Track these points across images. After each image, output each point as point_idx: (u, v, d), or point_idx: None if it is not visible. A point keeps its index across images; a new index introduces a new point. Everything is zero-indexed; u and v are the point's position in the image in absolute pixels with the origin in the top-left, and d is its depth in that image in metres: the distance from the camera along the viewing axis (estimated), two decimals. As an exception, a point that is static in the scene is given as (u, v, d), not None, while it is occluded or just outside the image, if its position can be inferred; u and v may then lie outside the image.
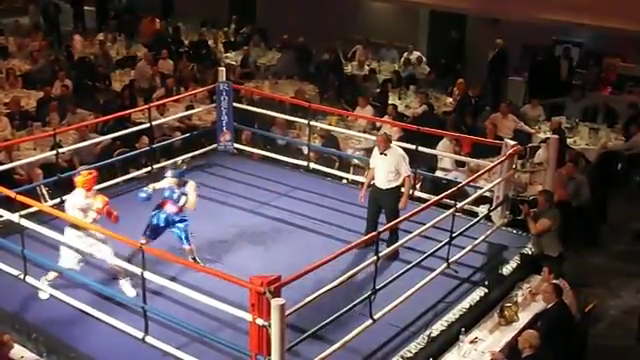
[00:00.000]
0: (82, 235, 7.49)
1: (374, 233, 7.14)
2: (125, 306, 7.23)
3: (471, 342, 7.46)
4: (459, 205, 8.15)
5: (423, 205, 8.03)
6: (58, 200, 9.47)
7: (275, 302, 5.66)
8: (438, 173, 11.06)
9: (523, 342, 7.12)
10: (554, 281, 7.99)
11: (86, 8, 23.00)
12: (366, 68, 17.45)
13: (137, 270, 6.80)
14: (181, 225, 8.12)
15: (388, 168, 8.50)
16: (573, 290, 8.28)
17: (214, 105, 11.62)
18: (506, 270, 8.60)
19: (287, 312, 5.75)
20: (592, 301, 8.52)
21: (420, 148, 9.87)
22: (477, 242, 8.50)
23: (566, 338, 7.55)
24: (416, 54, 17.71)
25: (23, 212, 7.73)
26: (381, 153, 8.56)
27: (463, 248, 8.26)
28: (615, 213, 11.79)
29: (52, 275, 7.68)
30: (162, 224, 8.10)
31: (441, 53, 18.35)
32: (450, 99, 15.27)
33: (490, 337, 7.64)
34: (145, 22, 19.61)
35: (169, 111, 13.17)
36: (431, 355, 7.15)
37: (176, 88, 14.65)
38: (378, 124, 12.77)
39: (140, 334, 6.86)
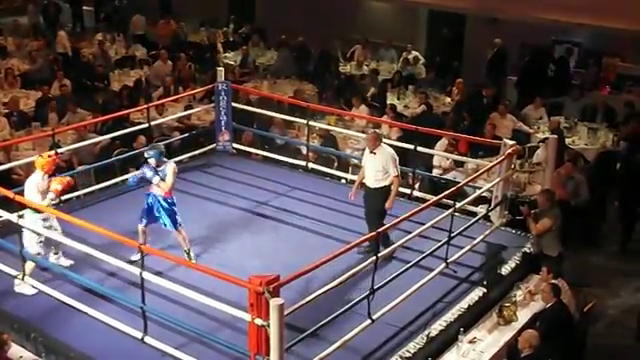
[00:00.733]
0: (40, 218, 7.63)
1: (373, 233, 7.14)
2: (124, 306, 7.22)
3: (470, 342, 7.46)
4: (458, 205, 8.15)
5: (422, 205, 8.04)
6: (57, 200, 9.47)
7: (274, 302, 5.65)
8: (433, 171, 11.06)
9: (523, 342, 7.12)
10: (553, 281, 7.99)
11: (85, 8, 23.03)
12: (365, 68, 17.47)
13: (136, 270, 6.79)
14: (167, 208, 8.12)
15: (377, 167, 8.49)
16: (572, 290, 8.29)
17: (213, 105, 11.61)
18: (505, 270, 8.60)
19: (286, 312, 5.75)
20: (591, 300, 8.53)
21: (418, 148, 9.87)
22: (476, 242, 8.49)
23: (565, 338, 7.56)
24: (414, 54, 17.72)
25: (21, 212, 7.73)
26: (371, 152, 8.55)
27: (462, 248, 8.26)
28: (614, 213, 11.79)
29: (29, 268, 7.70)
30: (150, 206, 8.18)
31: (440, 53, 18.36)
32: (449, 99, 15.27)
33: (489, 337, 7.64)
34: (161, 24, 19.49)
35: (168, 111, 13.17)
36: (430, 355, 7.15)
37: (174, 88, 14.66)
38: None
39: (139, 334, 6.86)
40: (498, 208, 9.22)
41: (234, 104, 11.44)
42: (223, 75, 11.45)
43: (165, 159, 8.24)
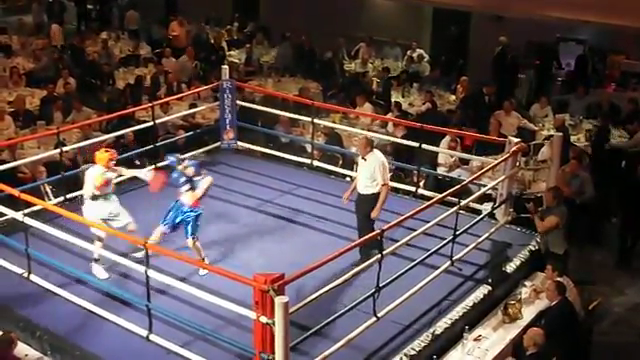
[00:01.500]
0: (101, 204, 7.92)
1: (378, 231, 7.13)
2: (129, 304, 7.24)
3: (475, 340, 7.46)
4: (463, 203, 8.14)
5: (427, 203, 8.03)
6: (62, 198, 9.50)
7: (279, 300, 5.66)
8: (438, 169, 11.06)
9: (528, 340, 7.12)
10: (558, 279, 7.98)
11: (90, 7, 23.08)
12: (370, 66, 17.48)
13: (141, 268, 6.80)
14: (190, 216, 8.11)
15: (365, 173, 8.42)
16: (577, 288, 8.27)
17: (217, 103, 11.62)
18: (510, 268, 8.59)
19: (291, 310, 5.75)
20: (596, 298, 8.52)
21: (423, 146, 9.86)
22: (481, 240, 8.49)
23: (570, 336, 7.55)
24: (418, 52, 17.71)
25: (27, 210, 7.75)
26: (362, 157, 8.50)
27: (467, 246, 8.26)
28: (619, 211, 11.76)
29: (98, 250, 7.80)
30: (175, 213, 8.19)
31: (445, 50, 18.35)
32: (453, 97, 15.26)
33: (494, 335, 7.63)
34: (173, 25, 19.48)
35: (173, 109, 13.18)
36: (435, 353, 7.14)
37: (177, 86, 14.68)
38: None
39: (144, 332, 6.87)
40: (503, 206, 9.21)
41: (239, 102, 11.43)
42: (228, 73, 11.45)
43: (204, 172, 8.24)
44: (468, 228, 8.33)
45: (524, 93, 16.71)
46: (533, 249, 9.00)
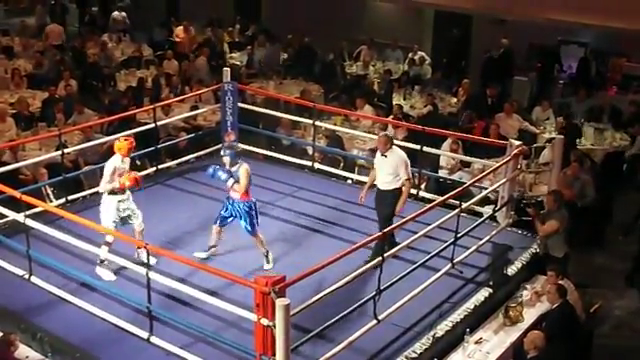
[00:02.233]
0: (117, 200, 7.94)
1: (379, 234, 7.13)
2: (130, 306, 7.24)
3: (476, 342, 7.45)
4: (464, 205, 8.14)
5: (428, 205, 8.03)
6: (63, 200, 9.51)
7: (280, 302, 5.66)
8: (440, 172, 11.06)
9: (528, 343, 7.12)
10: (559, 282, 7.97)
11: (94, 9, 23.14)
12: (371, 68, 17.49)
13: (142, 270, 6.80)
14: (245, 211, 8.16)
15: (387, 170, 8.47)
16: (578, 290, 8.26)
17: (219, 105, 11.62)
18: (511, 270, 8.58)
19: (292, 312, 5.76)
20: (597, 301, 8.51)
21: (424, 148, 9.86)
22: (482, 242, 8.48)
23: (571, 339, 7.54)
24: (420, 54, 17.72)
25: (28, 212, 7.75)
26: (382, 154, 8.54)
27: (468, 248, 8.25)
28: (620, 213, 11.77)
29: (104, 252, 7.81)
30: (227, 210, 8.26)
31: (446, 53, 18.35)
32: (455, 99, 15.26)
33: (495, 337, 7.62)
34: (178, 31, 19.43)
35: (174, 111, 13.19)
36: (436, 355, 7.14)
37: (181, 88, 14.68)
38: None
39: (145, 334, 6.87)
40: (504, 208, 9.20)
41: (240, 104, 11.44)
42: (229, 75, 11.46)
43: (239, 160, 8.21)
44: (469, 231, 8.32)
45: (525, 96, 16.71)
46: (534, 252, 8.99)
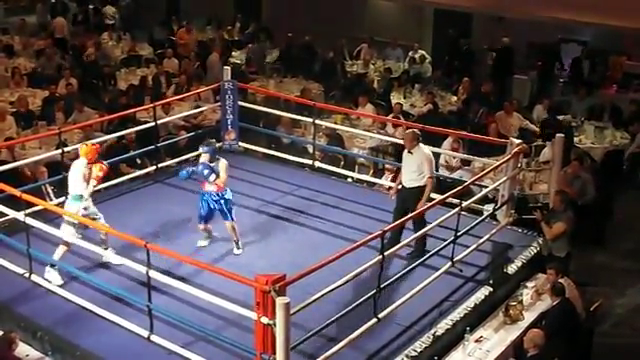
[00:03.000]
0: (81, 207, 7.84)
1: (379, 232, 7.13)
2: (130, 305, 7.24)
3: (476, 341, 7.45)
4: (464, 204, 8.14)
5: (428, 204, 8.03)
6: (63, 199, 9.49)
7: (280, 301, 5.65)
8: (440, 170, 11.06)
9: (528, 342, 7.12)
10: (559, 280, 7.96)
11: (92, 7, 23.09)
12: (371, 67, 17.49)
13: (142, 268, 6.80)
14: (222, 201, 8.37)
15: (412, 167, 8.45)
16: (578, 289, 8.26)
17: (219, 104, 11.62)
18: (511, 269, 8.58)
19: (292, 311, 5.75)
20: (597, 300, 8.51)
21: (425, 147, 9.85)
22: (482, 241, 8.47)
23: (571, 337, 7.54)
24: (420, 53, 17.72)
25: (28, 211, 7.75)
26: (408, 151, 8.51)
27: (468, 247, 8.25)
28: (621, 212, 11.77)
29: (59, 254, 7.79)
30: (206, 206, 8.43)
31: (446, 52, 18.34)
32: (455, 98, 15.26)
33: (495, 336, 7.62)
34: (181, 33, 19.40)
35: (174, 110, 13.18)
36: (436, 354, 7.14)
37: (186, 88, 14.69)
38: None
39: (145, 332, 6.87)
40: (505, 207, 9.20)
41: (240, 103, 11.43)
42: (229, 74, 11.45)
43: (218, 156, 8.43)
44: (469, 229, 8.32)
45: (526, 94, 16.70)
46: (534, 250, 8.99)
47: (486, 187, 9.17)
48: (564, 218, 8.85)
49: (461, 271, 8.22)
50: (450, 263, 7.97)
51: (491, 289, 8.12)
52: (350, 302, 6.86)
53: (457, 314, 7.60)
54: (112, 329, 7.03)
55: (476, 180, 8.87)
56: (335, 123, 12.52)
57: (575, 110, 14.50)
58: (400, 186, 8.67)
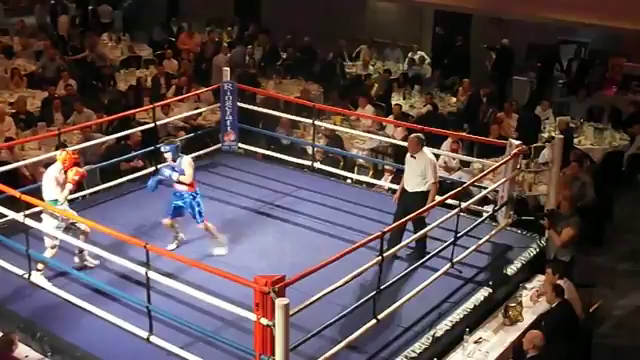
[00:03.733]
0: (58, 221, 7.79)
1: (379, 233, 7.12)
2: (130, 305, 7.24)
3: (475, 342, 7.45)
4: (464, 205, 8.14)
5: (428, 205, 8.03)
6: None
7: (279, 302, 5.65)
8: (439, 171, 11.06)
9: (527, 343, 7.11)
10: (558, 281, 7.96)
11: (91, 8, 23.08)
12: (371, 68, 17.49)
13: (141, 269, 6.80)
14: (192, 202, 8.33)
15: (415, 171, 8.43)
16: (578, 290, 8.25)
17: (218, 105, 11.61)
18: (511, 270, 8.58)
19: (291, 312, 5.75)
20: (597, 301, 8.50)
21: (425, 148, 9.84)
22: (481, 242, 8.47)
23: (570, 338, 7.54)
24: (420, 54, 17.72)
25: (28, 212, 7.75)
26: (411, 155, 8.50)
27: (467, 248, 8.25)
28: (620, 213, 11.76)
29: (41, 265, 7.77)
30: (177, 204, 8.38)
31: (445, 53, 18.34)
32: (454, 99, 15.26)
33: (494, 337, 7.62)
34: (183, 38, 19.37)
35: (174, 111, 13.19)
36: (435, 355, 7.14)
37: (187, 88, 14.69)
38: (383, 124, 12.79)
39: (145, 334, 6.87)
40: (504, 208, 9.19)
41: (240, 104, 11.43)
42: (229, 75, 11.45)
43: (180, 154, 8.39)
44: (469, 230, 8.32)
45: (525, 95, 16.70)
46: (534, 252, 8.99)
47: (485, 188, 9.16)
48: (572, 223, 8.83)
49: (460, 272, 8.22)
50: (450, 264, 7.97)
51: (490, 290, 8.12)
52: (349, 303, 6.87)
53: (456, 315, 7.60)
54: (112, 330, 7.02)
55: (475, 181, 8.87)
56: (334, 124, 12.52)
57: (575, 111, 14.49)
58: (402, 190, 8.66)
